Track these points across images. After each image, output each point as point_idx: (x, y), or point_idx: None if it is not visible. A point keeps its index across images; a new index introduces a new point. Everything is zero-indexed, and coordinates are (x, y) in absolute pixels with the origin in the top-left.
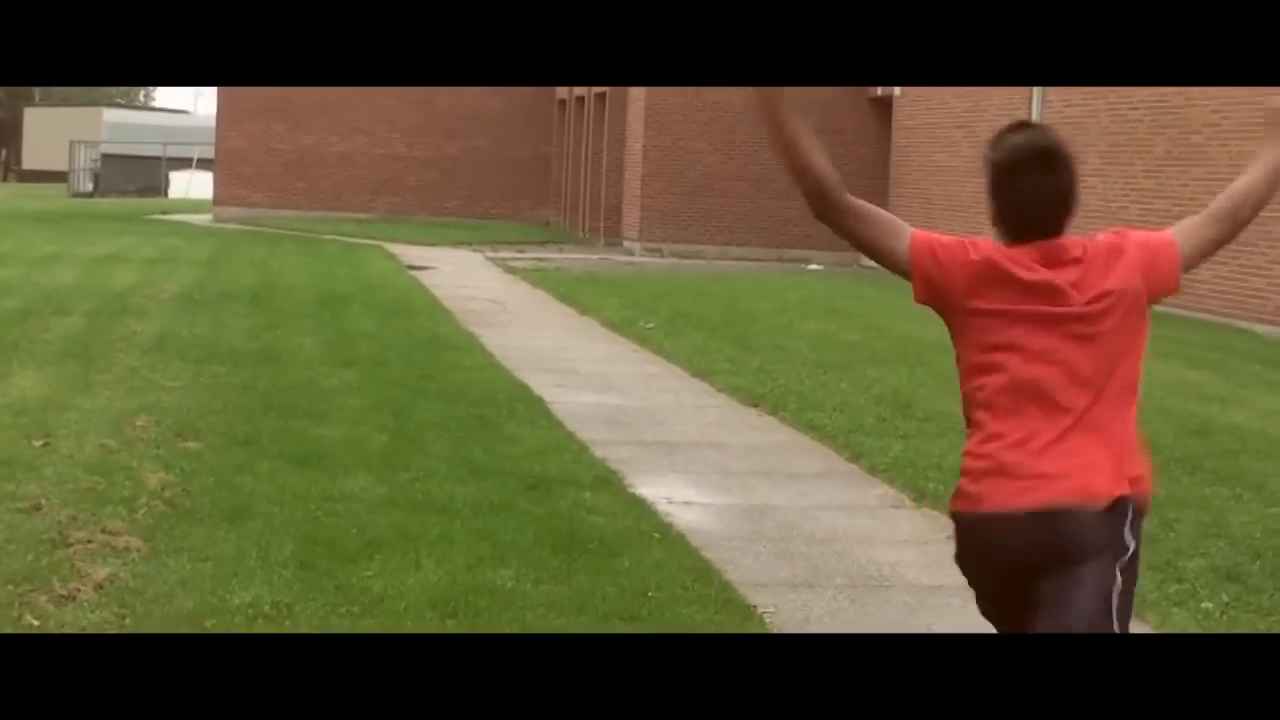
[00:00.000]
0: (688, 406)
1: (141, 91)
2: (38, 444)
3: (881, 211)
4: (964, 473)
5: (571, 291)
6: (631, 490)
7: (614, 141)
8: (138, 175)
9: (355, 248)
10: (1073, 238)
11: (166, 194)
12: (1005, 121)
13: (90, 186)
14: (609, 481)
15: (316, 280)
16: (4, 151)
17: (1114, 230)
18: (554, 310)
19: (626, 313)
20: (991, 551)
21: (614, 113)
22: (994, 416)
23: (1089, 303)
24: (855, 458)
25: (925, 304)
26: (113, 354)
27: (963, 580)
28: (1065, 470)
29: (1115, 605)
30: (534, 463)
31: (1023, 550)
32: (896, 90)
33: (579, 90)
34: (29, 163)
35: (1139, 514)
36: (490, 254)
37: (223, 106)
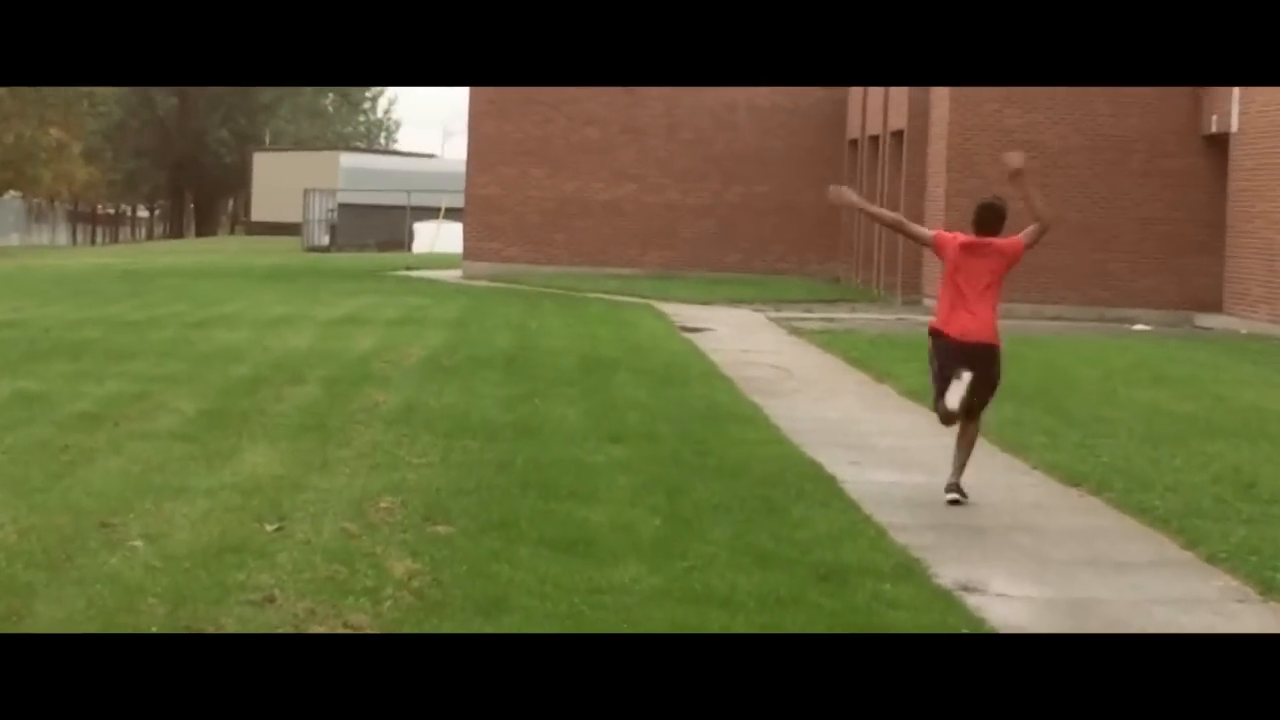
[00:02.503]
0: (999, 486)
1: (382, 133)
2: (271, 528)
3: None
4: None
5: (866, 356)
6: (937, 581)
7: (913, 185)
8: (378, 227)
9: (622, 307)
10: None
11: (410, 248)
12: None
13: (326, 240)
14: (911, 571)
15: (579, 343)
16: (231, 202)
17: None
18: (846, 377)
19: (924, 380)
20: (947, 348)
21: (913, 153)
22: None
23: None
24: (1191, 545)
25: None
26: (352, 427)
27: None
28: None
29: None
30: (826, 550)
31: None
32: (1234, 125)
33: (872, 127)
34: (259, 213)
35: (994, 348)
36: (773, 314)
37: (474, 150)
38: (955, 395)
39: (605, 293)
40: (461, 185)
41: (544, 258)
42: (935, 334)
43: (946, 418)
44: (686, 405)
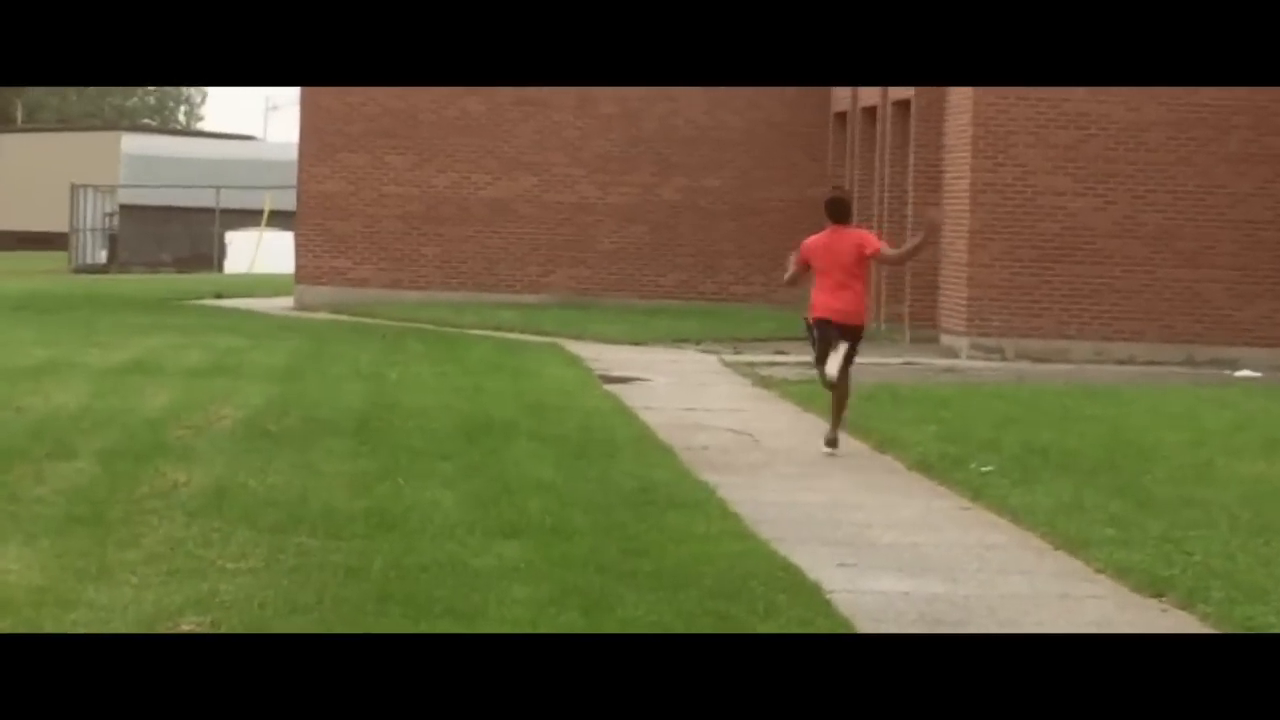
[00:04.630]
0: (1050, 597)
1: (181, 107)
2: None
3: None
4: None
5: (861, 415)
6: None
7: (924, 175)
8: (176, 238)
9: (519, 348)
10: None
11: (221, 266)
12: None
13: (103, 255)
14: None
15: (459, 400)
16: None
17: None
18: None
19: (948, 448)
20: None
21: (924, 130)
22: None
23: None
24: None
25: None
26: (141, 518)
27: None
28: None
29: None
30: None
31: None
32: None
33: (867, 96)
34: (6, 219)
35: (860, 327)
36: (730, 356)
37: (308, 129)
38: (834, 363)
39: (495, 329)
40: (292, 179)
41: (408, 280)
42: (817, 320)
43: (828, 383)
44: (610, 485)
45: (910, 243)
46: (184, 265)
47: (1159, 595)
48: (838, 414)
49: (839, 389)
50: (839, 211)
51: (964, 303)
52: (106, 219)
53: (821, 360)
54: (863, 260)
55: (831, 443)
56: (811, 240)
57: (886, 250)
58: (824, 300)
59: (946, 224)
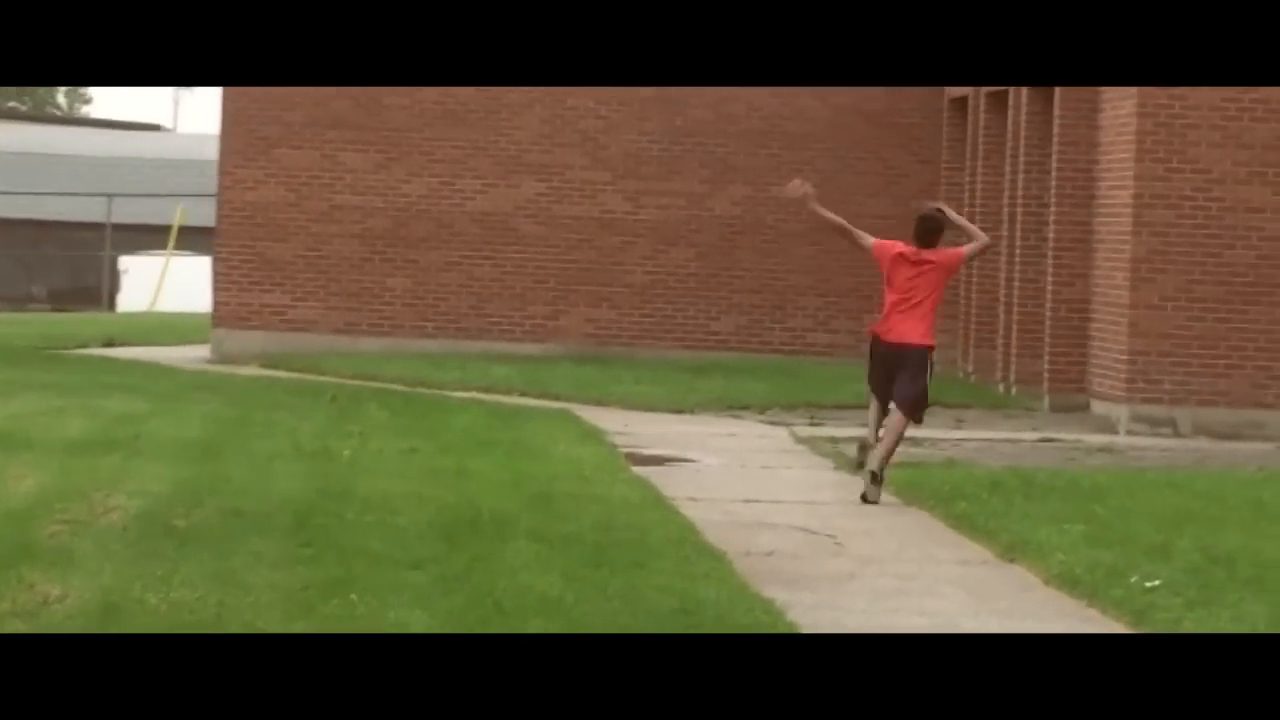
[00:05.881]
0: None
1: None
2: None
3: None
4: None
5: (980, 510)
6: None
7: (1071, 184)
8: (52, 263)
9: (519, 417)
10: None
11: (113, 303)
12: None
13: None
14: None
15: (436, 486)
16: None
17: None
18: (944, 549)
19: (1100, 556)
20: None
21: (1072, 122)
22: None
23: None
24: None
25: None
26: None
27: None
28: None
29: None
30: None
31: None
32: None
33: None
34: None
35: (929, 351)
36: (806, 429)
37: (232, 117)
38: (877, 456)
39: (486, 389)
40: (211, 184)
41: (368, 323)
42: (873, 339)
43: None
44: (639, 604)
45: (967, 227)
46: (62, 301)
47: None
48: (891, 444)
49: (895, 415)
50: (927, 233)
51: (1123, 358)
52: None
53: (872, 386)
54: (943, 282)
55: (864, 469)
56: (889, 245)
57: (970, 250)
58: (887, 321)
59: (1100, 250)
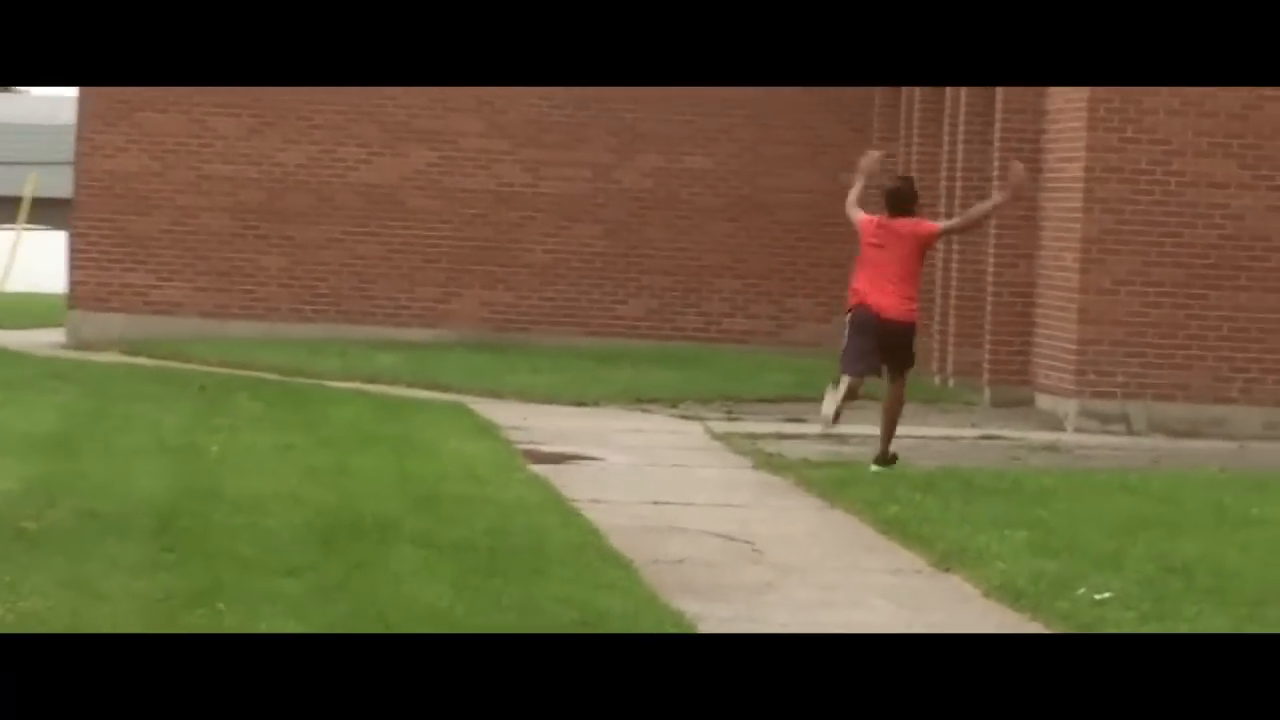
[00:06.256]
0: None
1: None
2: None
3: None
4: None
5: (914, 514)
6: None
7: (1017, 154)
8: None
9: (406, 410)
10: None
11: None
12: None
13: None
14: None
15: (313, 486)
16: None
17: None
18: (872, 557)
19: (1045, 565)
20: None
21: (1016, 91)
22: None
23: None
24: None
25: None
26: None
27: None
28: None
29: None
30: None
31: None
32: None
33: None
34: None
35: (912, 324)
36: (723, 424)
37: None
38: (831, 404)
39: (370, 380)
40: (67, 152)
41: (240, 305)
42: (856, 306)
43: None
44: (536, 616)
45: (981, 205)
46: None
47: None
48: (889, 428)
49: (891, 396)
50: (899, 202)
51: (1072, 348)
52: None
53: (848, 363)
54: (921, 253)
55: (879, 458)
56: (868, 219)
57: (948, 223)
58: (864, 289)
59: (1047, 229)
